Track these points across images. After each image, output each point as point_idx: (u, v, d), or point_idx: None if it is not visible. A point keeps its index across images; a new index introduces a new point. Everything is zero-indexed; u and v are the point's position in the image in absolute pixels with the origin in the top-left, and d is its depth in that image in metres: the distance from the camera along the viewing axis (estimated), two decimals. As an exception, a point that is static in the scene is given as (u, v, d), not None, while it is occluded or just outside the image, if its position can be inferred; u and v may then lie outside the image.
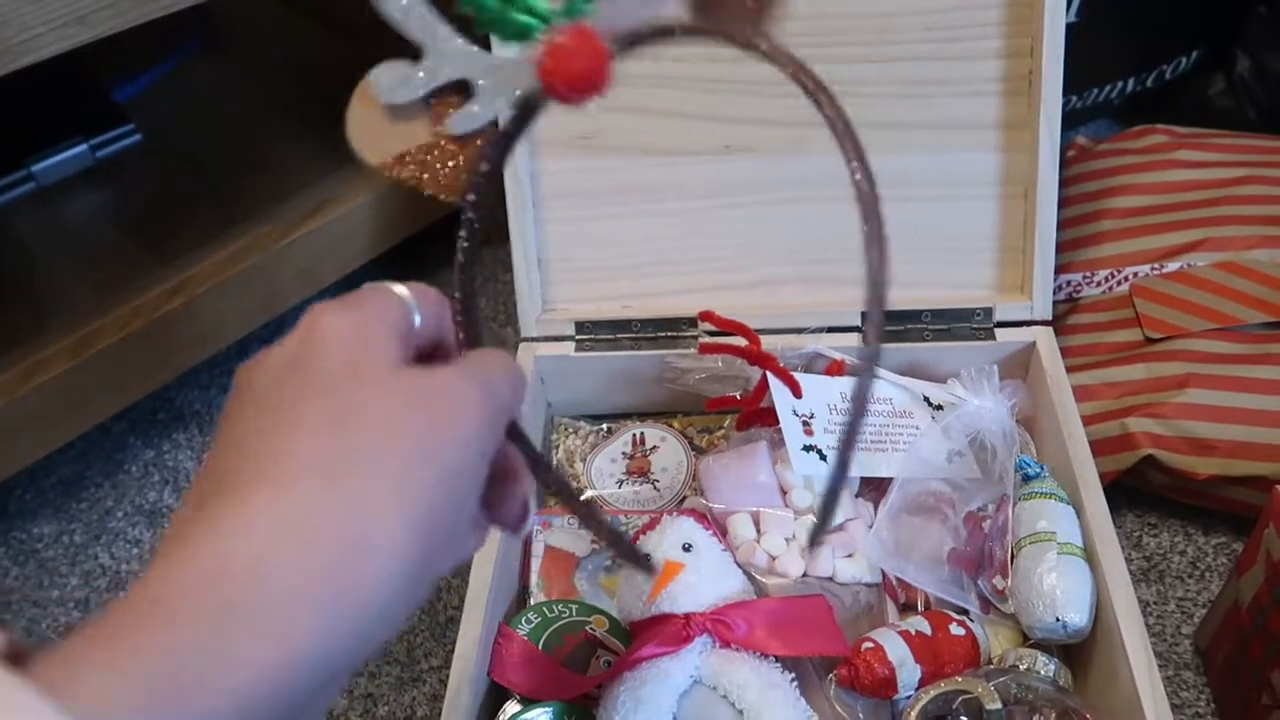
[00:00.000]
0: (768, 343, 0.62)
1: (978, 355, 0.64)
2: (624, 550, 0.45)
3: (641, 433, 0.66)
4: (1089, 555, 0.53)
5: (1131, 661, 0.48)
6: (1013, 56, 0.63)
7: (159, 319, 0.72)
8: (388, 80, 0.39)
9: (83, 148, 0.83)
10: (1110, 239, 0.74)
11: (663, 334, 0.66)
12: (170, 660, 0.23)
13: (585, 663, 0.55)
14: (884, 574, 0.56)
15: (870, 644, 0.50)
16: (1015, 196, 0.65)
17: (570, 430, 0.67)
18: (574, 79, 0.32)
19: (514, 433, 0.34)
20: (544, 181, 0.66)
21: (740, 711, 0.47)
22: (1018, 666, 0.50)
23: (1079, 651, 0.53)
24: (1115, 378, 0.66)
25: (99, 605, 0.67)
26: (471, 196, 0.35)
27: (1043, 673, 0.50)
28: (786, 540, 0.56)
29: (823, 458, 0.58)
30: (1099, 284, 0.72)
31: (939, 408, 0.62)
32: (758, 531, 0.56)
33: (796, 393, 0.59)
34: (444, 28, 0.37)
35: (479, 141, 0.37)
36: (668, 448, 0.65)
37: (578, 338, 0.67)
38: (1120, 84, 0.89)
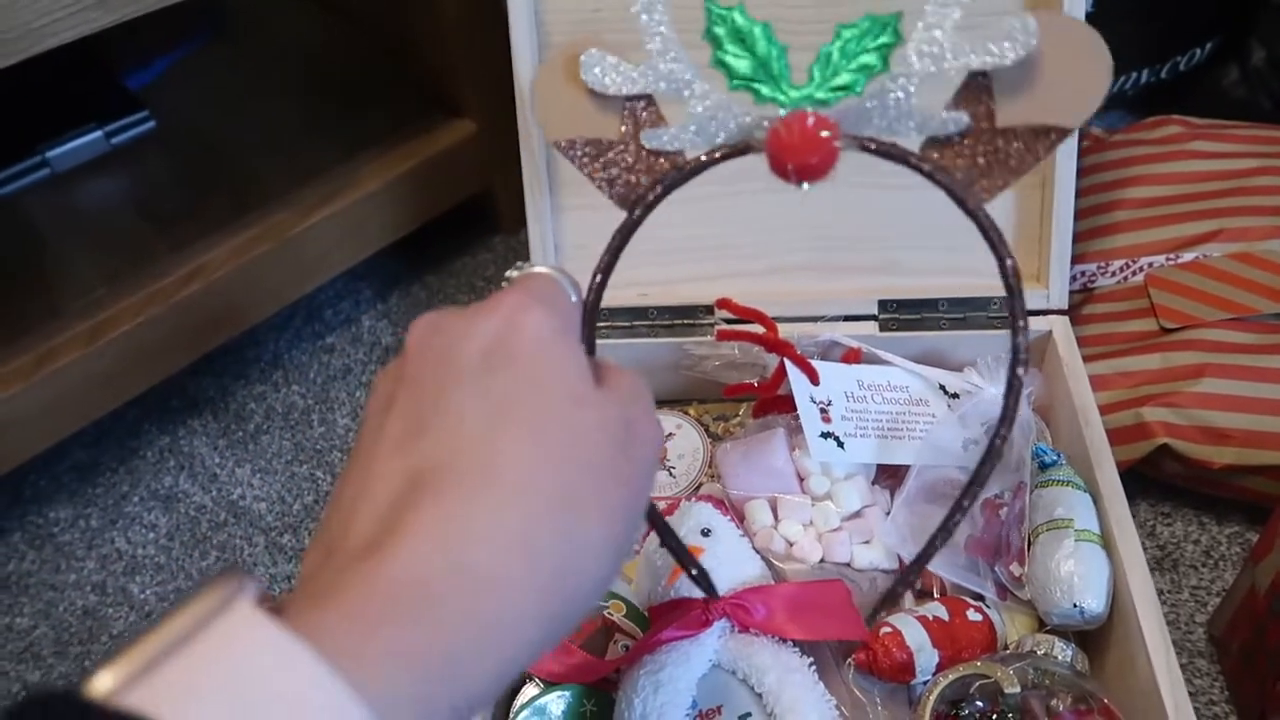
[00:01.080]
0: (784, 330, 0.62)
1: (994, 344, 0.64)
2: (690, 565, 0.46)
3: (657, 419, 0.66)
4: (1106, 542, 0.54)
5: (1149, 647, 0.49)
6: (1031, 45, 0.63)
7: (173, 305, 0.72)
8: (604, 66, 0.38)
9: (97, 134, 0.84)
10: (1125, 229, 0.74)
11: (679, 321, 0.66)
12: (440, 664, 0.24)
13: (602, 647, 0.55)
14: (900, 560, 0.56)
15: (888, 629, 0.50)
16: (1032, 186, 0.65)
17: (586, 417, 0.67)
18: (802, 170, 0.35)
19: None
20: (561, 169, 0.66)
21: (759, 695, 0.48)
22: (1035, 652, 0.50)
23: (1095, 638, 0.53)
24: (1130, 367, 0.66)
25: (115, 590, 0.68)
26: (638, 212, 0.37)
27: (1060, 658, 0.50)
28: (803, 526, 0.56)
29: (840, 444, 0.58)
30: (1114, 274, 0.73)
31: (955, 396, 0.62)
32: (775, 518, 0.57)
33: (814, 380, 0.59)
34: (679, 48, 0.37)
35: (662, 161, 0.38)
36: (684, 435, 0.65)
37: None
38: (1135, 75, 0.88)
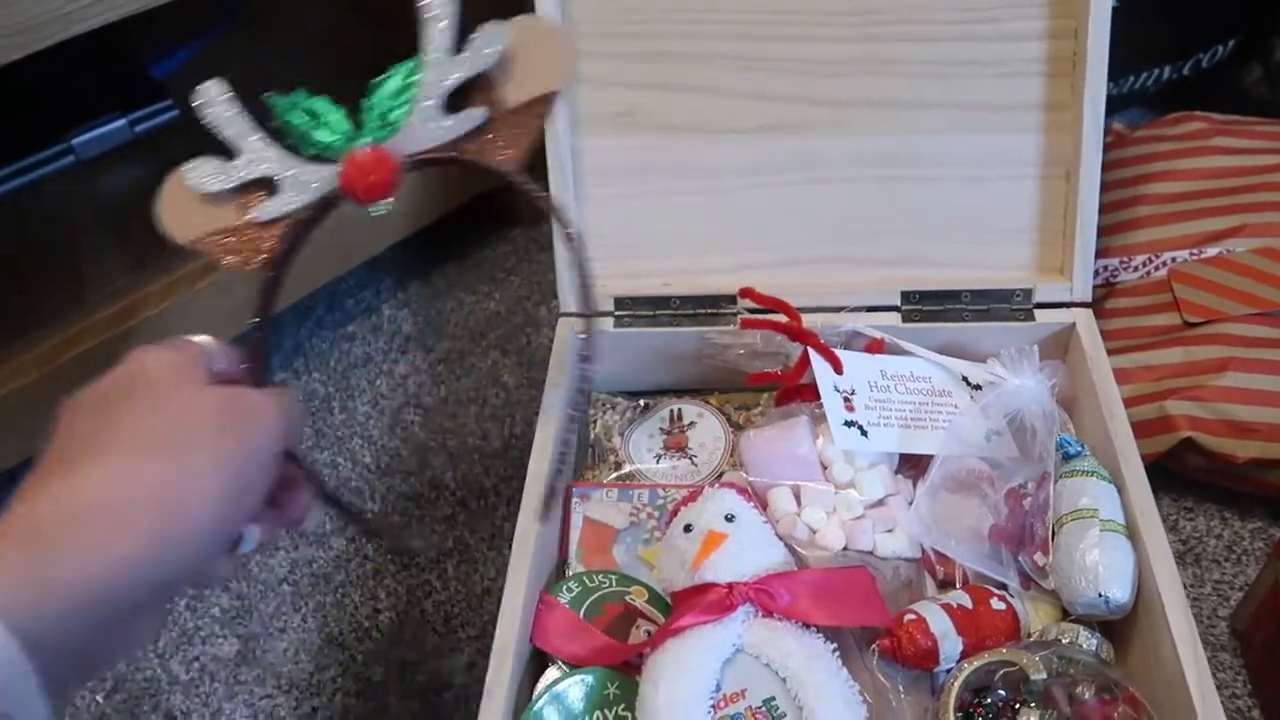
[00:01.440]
0: (807, 321, 0.62)
1: (1016, 336, 0.64)
2: (389, 535, 0.54)
3: (679, 408, 0.66)
4: (1131, 533, 0.53)
5: (1175, 637, 0.48)
6: (1056, 38, 0.63)
7: (197, 293, 0.73)
8: (202, 172, 0.48)
9: (121, 122, 0.84)
10: (1148, 224, 0.74)
11: (702, 311, 0.66)
12: (28, 568, 0.32)
13: (625, 633, 0.55)
14: (923, 550, 0.56)
15: (913, 616, 0.50)
16: (1056, 178, 0.65)
17: (608, 405, 0.68)
18: (369, 188, 0.46)
19: (291, 456, 0.43)
20: (585, 158, 0.67)
21: (783, 679, 0.48)
22: (1060, 641, 0.50)
23: (1119, 628, 0.53)
24: (1153, 361, 0.66)
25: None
26: (271, 272, 0.48)
27: (1085, 647, 0.50)
28: (826, 514, 0.56)
29: (863, 433, 0.58)
30: (1136, 269, 0.72)
31: (978, 387, 0.62)
32: (798, 505, 0.57)
33: (838, 368, 0.60)
34: (257, 134, 0.48)
35: (278, 229, 0.48)
36: (705, 424, 0.65)
37: (617, 314, 0.67)
38: (1156, 71, 0.88)
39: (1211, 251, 0.70)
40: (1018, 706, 0.49)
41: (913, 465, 0.60)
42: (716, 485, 0.55)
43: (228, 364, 0.43)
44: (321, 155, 0.48)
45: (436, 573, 0.66)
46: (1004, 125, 0.64)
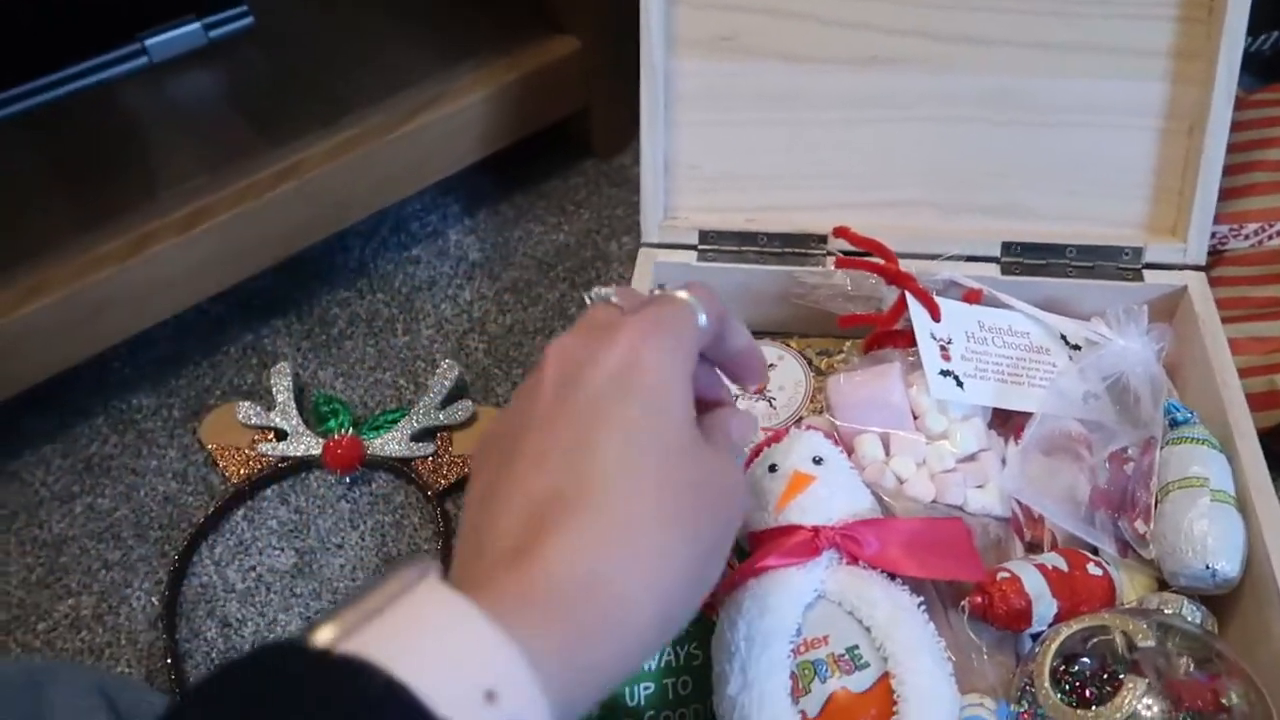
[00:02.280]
0: (902, 266, 0.59)
1: (1122, 296, 0.61)
2: None
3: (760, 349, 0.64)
4: (1241, 505, 0.51)
5: (1286, 616, 0.46)
6: (1194, -20, 0.59)
7: (267, 201, 0.71)
8: (249, 412, 0.68)
9: (195, 26, 0.82)
10: (1261, 192, 0.70)
11: (790, 250, 0.64)
12: (572, 653, 0.29)
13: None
14: (1013, 511, 0.54)
15: (1006, 574, 0.48)
16: (1178, 132, 0.62)
17: (684, 342, 0.65)
18: (338, 460, 0.65)
19: None
20: (678, 83, 0.64)
21: (867, 629, 0.46)
22: (1163, 610, 0.48)
23: (1224, 603, 0.50)
24: (1264, 333, 0.63)
25: (196, 479, 0.67)
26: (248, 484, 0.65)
27: (1190, 618, 0.47)
28: (916, 464, 0.53)
29: (959, 384, 0.55)
30: (1247, 237, 0.69)
31: (1076, 347, 0.59)
32: (886, 453, 0.54)
33: (935, 315, 0.57)
34: (292, 403, 0.69)
35: (267, 462, 0.66)
36: (786, 366, 0.63)
37: (701, 247, 0.64)
38: (1275, 35, 0.84)
39: (1331, 223, 0.66)
40: (1106, 678, 0.47)
41: (1002, 423, 0.58)
42: (803, 427, 0.53)
43: (714, 322, 0.37)
44: (323, 432, 0.67)
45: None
46: (1127, 71, 0.61)
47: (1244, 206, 0.70)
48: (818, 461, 0.50)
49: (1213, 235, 0.69)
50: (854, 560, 0.47)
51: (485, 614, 0.26)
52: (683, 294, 0.36)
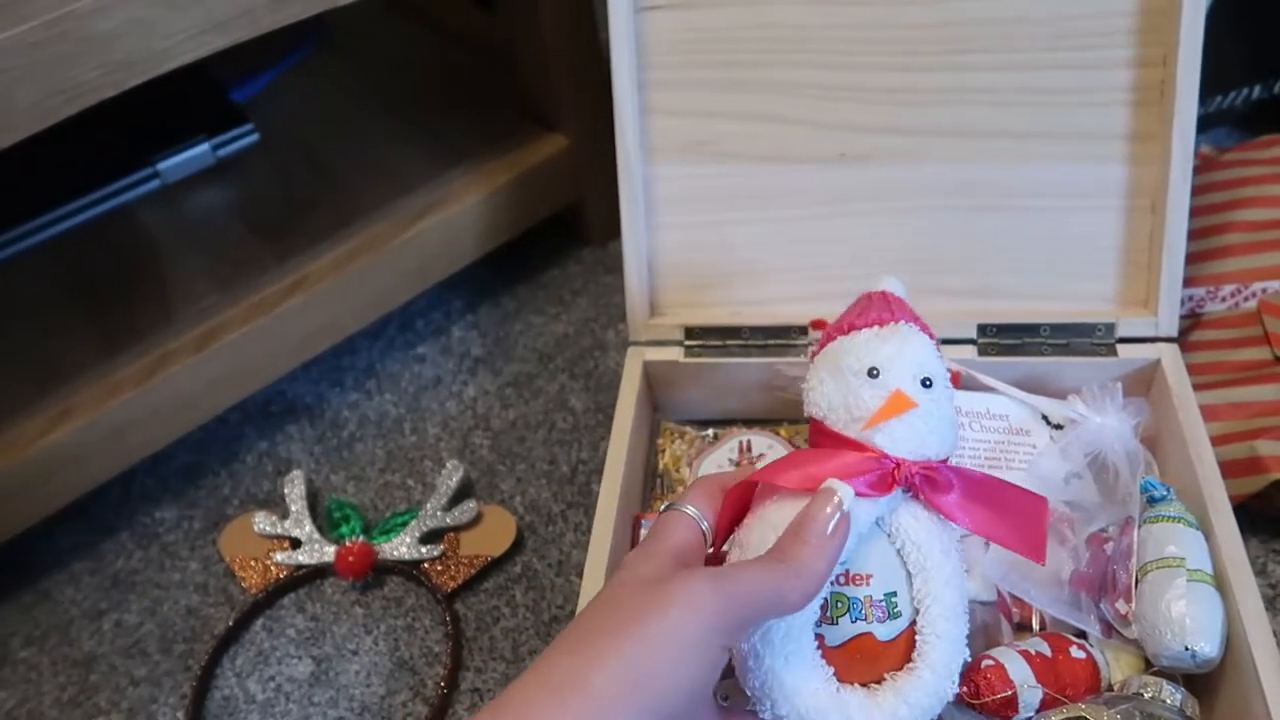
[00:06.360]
0: (880, 353, 0.61)
1: (1097, 372, 0.62)
2: None
3: (749, 439, 0.66)
4: (1219, 583, 0.52)
5: (1267, 694, 0.47)
6: (1145, 66, 0.61)
7: (278, 315, 0.74)
8: (265, 522, 0.71)
9: (204, 147, 0.87)
10: (1236, 253, 0.72)
11: (772, 341, 0.66)
12: None
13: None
14: (999, 593, 0.55)
15: (991, 662, 0.49)
16: (1142, 209, 0.63)
17: (676, 435, 0.68)
18: (349, 567, 0.68)
19: None
20: (658, 186, 0.67)
21: (910, 575, 0.45)
22: (1142, 694, 0.49)
23: (1206, 682, 0.51)
24: (1243, 398, 0.64)
25: (217, 590, 0.70)
26: (262, 596, 0.68)
27: (1169, 702, 0.48)
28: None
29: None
30: (1224, 299, 0.70)
31: (1058, 426, 0.61)
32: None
33: (912, 405, 0.58)
34: (306, 511, 0.72)
35: (284, 570, 0.70)
36: (775, 456, 0.65)
37: (687, 344, 0.67)
38: (1245, 91, 0.85)
39: (1305, 283, 0.68)
40: (1097, 759, 0.48)
41: (988, 503, 0.59)
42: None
43: (712, 516, 0.45)
44: (336, 538, 0.70)
45: (505, 599, 0.67)
46: (1089, 155, 0.63)
47: (1219, 269, 0.71)
48: (926, 385, 0.46)
49: (1189, 298, 0.71)
50: (920, 497, 0.45)
51: None
52: (693, 511, 0.45)
